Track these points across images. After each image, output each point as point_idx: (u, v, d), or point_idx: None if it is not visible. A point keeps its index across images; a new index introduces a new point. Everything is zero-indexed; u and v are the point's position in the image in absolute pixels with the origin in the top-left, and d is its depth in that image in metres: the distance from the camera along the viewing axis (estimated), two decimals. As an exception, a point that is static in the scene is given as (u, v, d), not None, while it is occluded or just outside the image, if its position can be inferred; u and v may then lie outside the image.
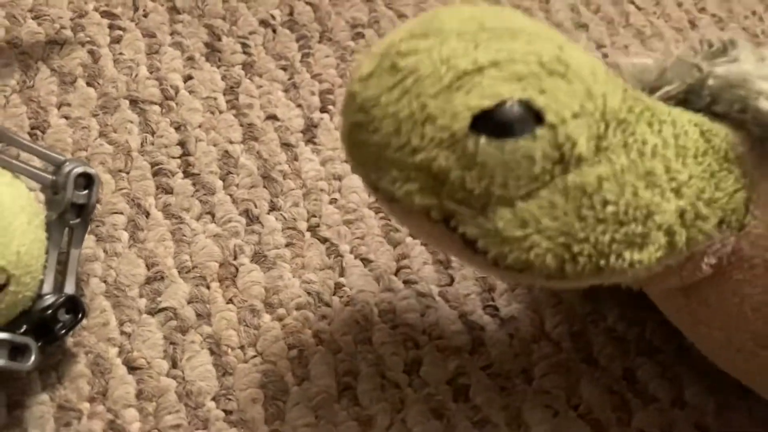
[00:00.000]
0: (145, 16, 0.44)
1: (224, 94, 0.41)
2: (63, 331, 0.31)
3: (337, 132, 0.41)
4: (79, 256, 0.32)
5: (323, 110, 0.42)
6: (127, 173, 0.38)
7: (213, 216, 0.37)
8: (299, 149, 0.40)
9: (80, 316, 0.31)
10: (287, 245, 0.37)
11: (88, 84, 0.41)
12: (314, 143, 0.40)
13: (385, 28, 0.46)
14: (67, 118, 0.39)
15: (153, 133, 0.39)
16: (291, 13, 0.45)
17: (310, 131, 0.41)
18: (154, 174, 0.38)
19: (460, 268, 0.36)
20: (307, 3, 0.46)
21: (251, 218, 0.37)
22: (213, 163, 0.39)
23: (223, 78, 0.42)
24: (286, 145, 0.40)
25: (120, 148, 0.39)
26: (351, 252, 0.37)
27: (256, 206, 0.38)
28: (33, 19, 0.43)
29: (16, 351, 0.29)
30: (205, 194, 0.38)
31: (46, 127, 0.39)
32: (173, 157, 0.39)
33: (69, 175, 0.31)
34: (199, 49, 0.43)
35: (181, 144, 0.39)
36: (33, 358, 0.29)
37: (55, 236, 0.31)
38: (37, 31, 0.42)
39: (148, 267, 0.35)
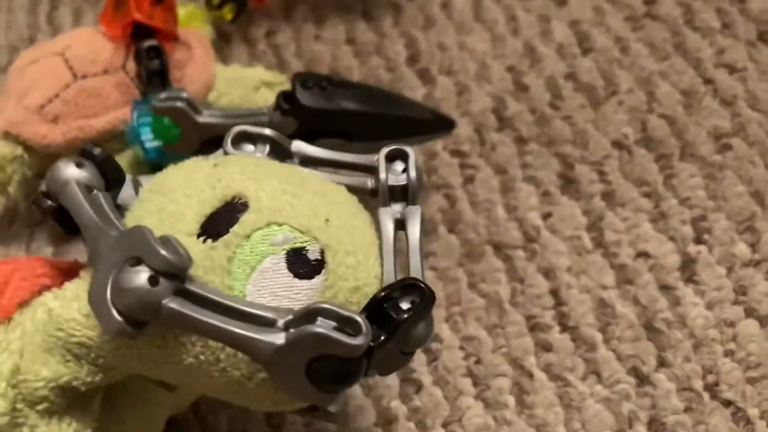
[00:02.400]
0: (493, 149, 0.43)
1: (588, 231, 0.40)
2: (405, 316, 0.25)
3: (720, 267, 0.37)
4: (419, 241, 0.28)
5: (698, 241, 0.38)
6: (503, 329, 0.37)
7: (599, 376, 0.35)
8: (680, 291, 0.37)
9: (426, 301, 0.26)
10: (686, 410, 0.34)
11: (450, 231, 0.41)
12: (695, 282, 0.37)
13: (754, 136, 0.41)
14: (435, 269, 0.40)
15: (522, 282, 0.38)
16: (644, 129, 0.43)
17: (688, 268, 0.38)
18: (531, 329, 0.37)
19: None
20: (660, 116, 0.43)
21: (640, 378, 0.35)
22: (589, 313, 0.37)
23: (584, 213, 0.40)
24: (665, 288, 0.37)
25: (491, 300, 0.38)
26: (762, 417, 0.33)
27: (643, 363, 0.35)
28: (388, 164, 0.44)
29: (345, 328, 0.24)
30: (586, 351, 0.36)
31: (417, 281, 0.39)
32: (547, 309, 0.38)
33: (378, 159, 0.29)
34: (554, 181, 0.42)
35: (553, 293, 0.38)
36: (364, 334, 0.24)
37: (386, 227, 0.27)
38: (394, 178, 0.43)
39: (541, 437, 0.34)
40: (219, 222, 0.25)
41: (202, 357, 0.25)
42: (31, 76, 0.40)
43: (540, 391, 0.35)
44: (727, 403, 0.34)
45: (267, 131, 0.29)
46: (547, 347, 0.36)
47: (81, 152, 0.27)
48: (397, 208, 0.28)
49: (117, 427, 0.28)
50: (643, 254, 0.38)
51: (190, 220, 0.25)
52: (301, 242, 0.25)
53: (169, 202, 0.26)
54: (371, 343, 0.24)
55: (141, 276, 0.23)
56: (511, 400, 0.35)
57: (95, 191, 0.26)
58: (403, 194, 0.28)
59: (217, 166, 0.27)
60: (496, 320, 0.37)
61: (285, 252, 0.25)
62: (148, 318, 0.24)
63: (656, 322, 0.36)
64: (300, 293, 0.25)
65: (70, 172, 0.26)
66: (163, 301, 0.24)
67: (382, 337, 0.24)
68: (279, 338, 0.23)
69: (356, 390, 0.36)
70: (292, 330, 0.23)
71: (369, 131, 0.38)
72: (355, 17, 0.51)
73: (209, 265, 0.24)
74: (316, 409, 0.26)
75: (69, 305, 0.26)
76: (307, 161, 0.30)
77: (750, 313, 0.36)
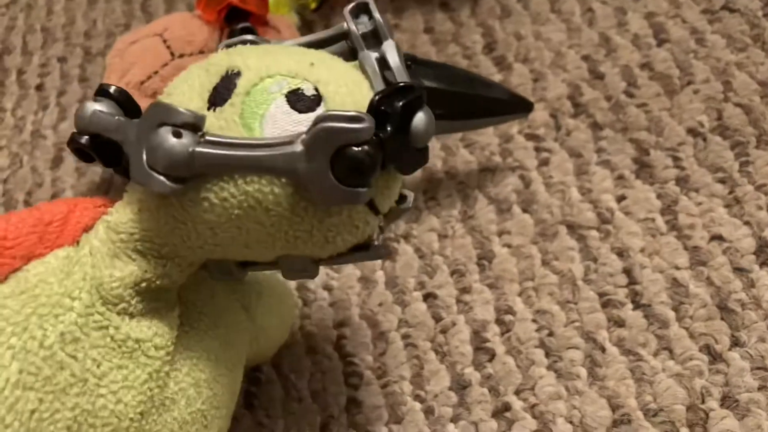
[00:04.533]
0: (568, 134, 0.44)
1: (662, 215, 0.40)
2: (400, 104, 0.28)
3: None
4: (399, 62, 0.29)
5: (774, 227, 0.39)
6: (576, 304, 0.38)
7: (671, 352, 0.36)
8: (755, 274, 0.37)
9: (417, 93, 0.28)
10: (759, 388, 0.34)
11: (524, 210, 0.42)
12: (770, 266, 0.37)
13: (832, 126, 0.41)
14: (509, 246, 0.41)
15: (595, 261, 0.39)
16: (719, 118, 0.43)
17: (764, 252, 0.38)
18: (603, 305, 0.38)
19: None
20: (736, 105, 0.43)
21: (713, 355, 0.35)
22: (662, 292, 0.38)
23: (658, 196, 0.41)
24: (739, 270, 0.38)
25: (565, 277, 0.39)
26: (836, 397, 0.33)
27: (716, 341, 0.36)
28: (464, 147, 0.45)
29: None
30: (659, 328, 0.37)
31: (492, 257, 0.40)
32: (620, 287, 0.38)
33: (345, 18, 0.30)
34: (628, 166, 0.42)
35: (626, 272, 0.39)
36: (366, 120, 0.26)
37: (370, 65, 0.29)
38: (470, 160, 0.45)
39: (613, 408, 0.35)
40: (221, 92, 0.28)
41: (245, 203, 0.27)
42: (132, 55, 0.43)
43: (612, 364, 0.36)
44: (801, 383, 0.34)
45: (249, 36, 0.32)
46: (619, 323, 0.37)
47: (97, 91, 0.30)
48: (374, 51, 0.30)
49: (197, 344, 0.30)
50: (717, 237, 0.39)
51: (197, 100, 0.29)
52: (295, 84, 0.28)
53: (175, 96, 0.29)
54: (380, 135, 0.27)
55: (166, 133, 0.27)
56: (582, 372, 0.36)
57: (117, 117, 0.29)
58: (375, 39, 0.30)
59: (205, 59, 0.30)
60: (569, 296, 0.38)
61: (283, 95, 0.28)
62: (184, 170, 0.27)
63: (730, 303, 0.36)
64: (308, 125, 0.27)
65: (92, 105, 0.29)
66: (191, 149, 0.27)
67: (388, 128, 0.27)
68: (297, 147, 0.27)
69: (431, 355, 0.37)
70: (305, 135, 0.27)
71: (450, 109, 0.39)
72: (432, 8, 0.52)
73: (224, 125, 0.28)
74: (366, 248, 0.29)
75: (122, 211, 0.30)
76: None
77: (826, 296, 0.36)
